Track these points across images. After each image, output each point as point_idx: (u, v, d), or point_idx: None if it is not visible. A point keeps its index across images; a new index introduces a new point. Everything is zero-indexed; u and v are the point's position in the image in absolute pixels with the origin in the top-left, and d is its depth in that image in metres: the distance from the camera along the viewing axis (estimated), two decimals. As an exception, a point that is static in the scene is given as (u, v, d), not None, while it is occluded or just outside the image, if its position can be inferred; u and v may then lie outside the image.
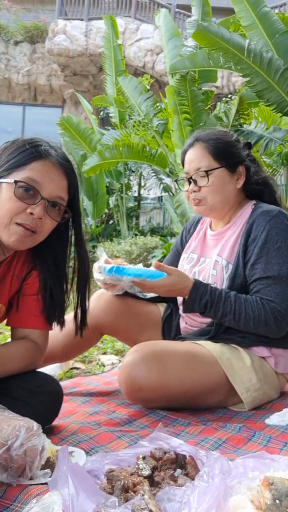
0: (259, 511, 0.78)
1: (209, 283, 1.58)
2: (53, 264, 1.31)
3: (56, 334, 1.46)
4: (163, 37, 6.09)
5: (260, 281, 1.51)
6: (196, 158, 1.63)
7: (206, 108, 5.14)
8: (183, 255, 1.80)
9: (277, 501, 0.77)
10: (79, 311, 1.35)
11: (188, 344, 1.56)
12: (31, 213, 1.15)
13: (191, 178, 1.63)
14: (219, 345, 1.55)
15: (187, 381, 1.46)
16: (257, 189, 1.69)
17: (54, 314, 1.33)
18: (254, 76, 4.16)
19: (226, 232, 1.67)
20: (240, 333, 1.55)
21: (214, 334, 1.57)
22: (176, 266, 1.77)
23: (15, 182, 1.13)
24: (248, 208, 1.65)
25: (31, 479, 0.97)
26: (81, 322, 1.36)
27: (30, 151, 1.17)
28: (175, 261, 1.83)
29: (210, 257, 1.68)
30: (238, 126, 4.52)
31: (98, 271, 1.54)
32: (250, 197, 1.71)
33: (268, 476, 0.82)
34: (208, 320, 1.60)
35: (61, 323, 1.34)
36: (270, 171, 4.99)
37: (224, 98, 4.68)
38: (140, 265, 1.53)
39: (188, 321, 1.68)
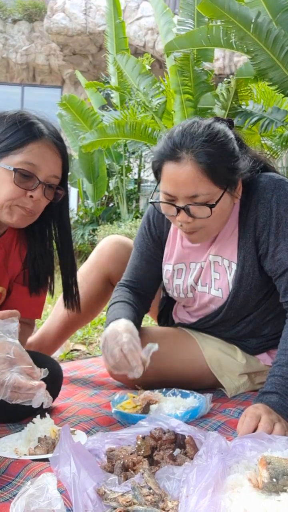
0: (256, 489, 0.80)
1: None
2: (42, 238, 1.35)
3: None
4: (155, 12, 5.93)
5: None
6: (188, 181, 1.24)
7: (210, 89, 5.04)
8: (166, 267, 1.52)
9: (274, 480, 0.79)
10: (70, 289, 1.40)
11: (179, 335, 1.54)
12: (31, 196, 1.18)
13: (182, 208, 1.26)
14: (212, 341, 1.51)
15: (176, 367, 1.46)
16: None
17: (46, 286, 1.40)
18: (258, 53, 4.04)
19: None
20: (244, 340, 1.51)
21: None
22: (156, 278, 1.54)
23: (15, 170, 1.15)
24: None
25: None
26: (70, 298, 1.41)
27: (23, 131, 1.18)
28: (150, 271, 1.54)
29: (203, 260, 1.45)
30: (237, 107, 4.45)
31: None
32: None
33: (265, 456, 0.84)
34: (194, 320, 1.55)
35: (52, 292, 1.41)
36: (271, 153, 4.94)
37: (225, 79, 4.58)
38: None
39: (180, 318, 1.64)
